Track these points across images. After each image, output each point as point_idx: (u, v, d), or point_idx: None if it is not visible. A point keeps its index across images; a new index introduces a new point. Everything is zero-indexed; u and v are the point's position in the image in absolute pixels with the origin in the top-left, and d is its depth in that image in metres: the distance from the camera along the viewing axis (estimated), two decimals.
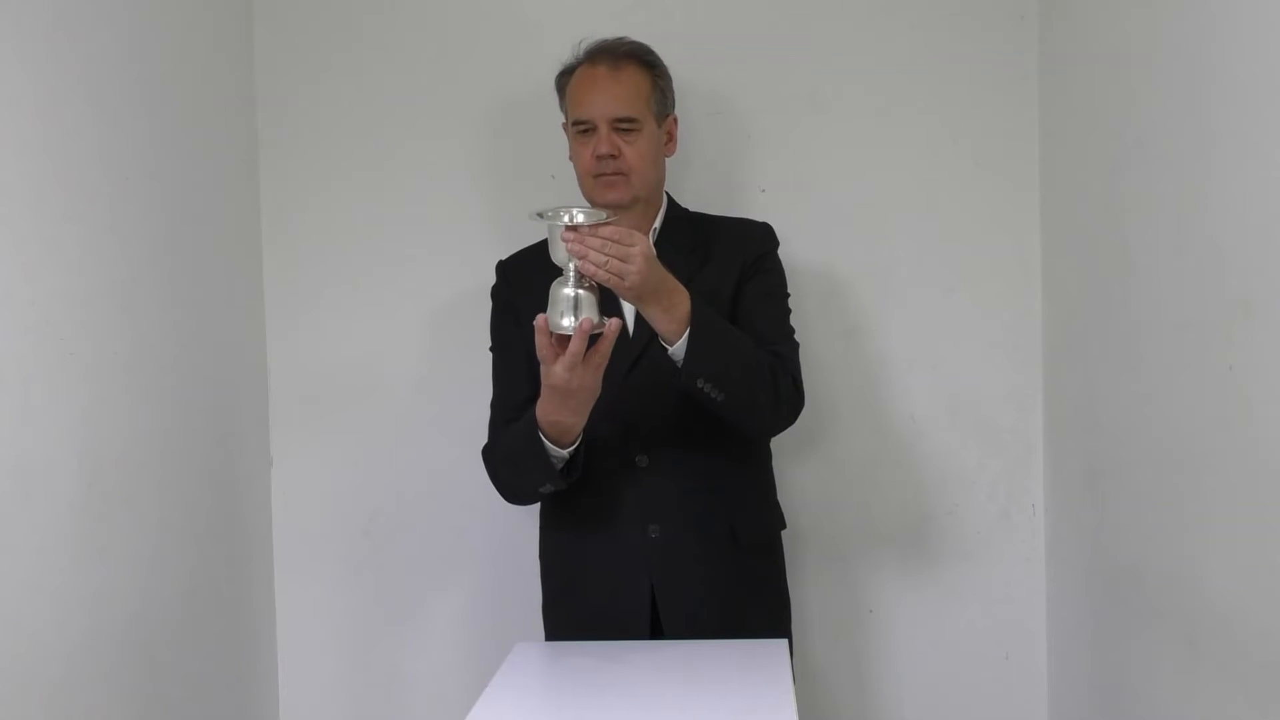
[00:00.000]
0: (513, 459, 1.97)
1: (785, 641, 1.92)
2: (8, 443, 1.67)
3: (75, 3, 1.87)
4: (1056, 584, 2.44)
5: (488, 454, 2.05)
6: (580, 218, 1.74)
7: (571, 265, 1.74)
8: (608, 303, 1.81)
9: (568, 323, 1.74)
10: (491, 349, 2.12)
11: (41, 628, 1.74)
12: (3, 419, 1.66)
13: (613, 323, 1.75)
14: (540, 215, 1.76)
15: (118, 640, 1.93)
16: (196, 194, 2.25)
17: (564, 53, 2.17)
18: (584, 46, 2.09)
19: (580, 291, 1.74)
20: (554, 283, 1.76)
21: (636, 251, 1.74)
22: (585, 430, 1.92)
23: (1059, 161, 2.35)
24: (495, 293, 2.13)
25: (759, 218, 2.21)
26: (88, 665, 1.85)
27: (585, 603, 2.06)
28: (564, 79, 2.10)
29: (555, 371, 1.76)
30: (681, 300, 1.83)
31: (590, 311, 1.74)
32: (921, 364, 2.48)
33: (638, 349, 2.02)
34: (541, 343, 1.75)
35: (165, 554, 2.10)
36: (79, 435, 1.84)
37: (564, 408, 1.82)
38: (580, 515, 2.05)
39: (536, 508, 2.17)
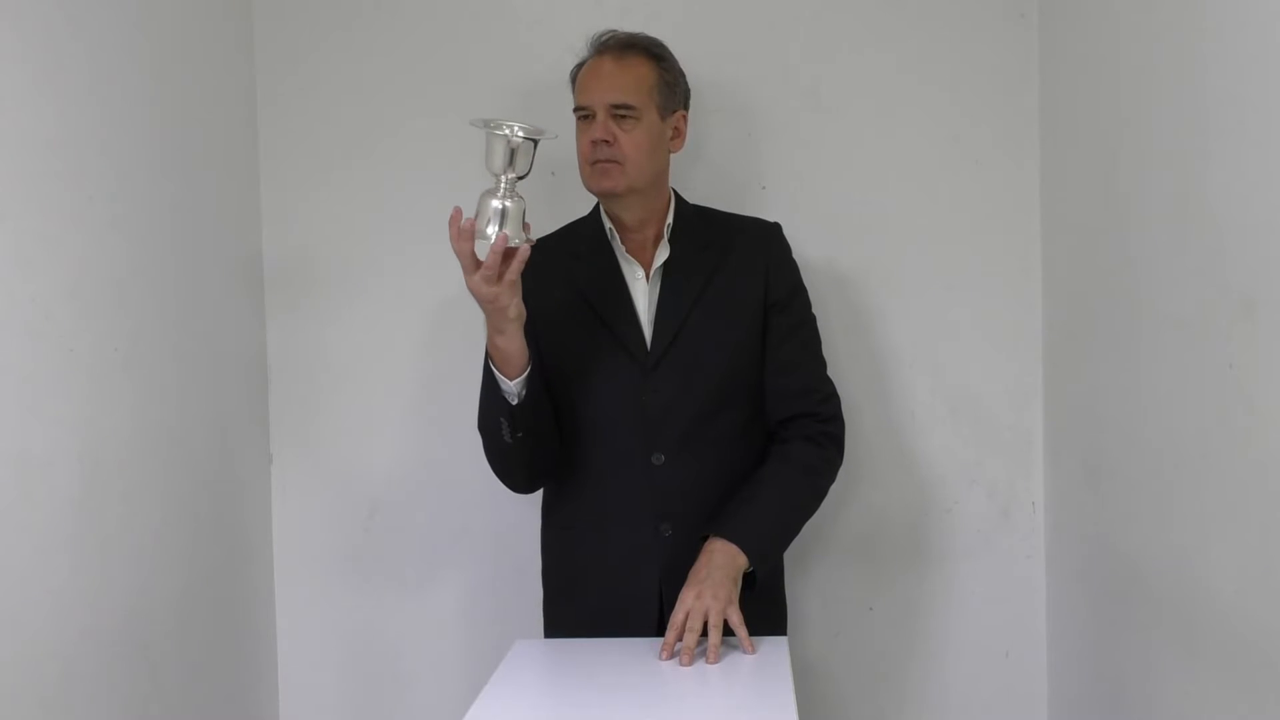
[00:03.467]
0: (481, 404, 2.01)
1: (785, 639, 1.93)
2: (8, 440, 1.67)
3: (78, 0, 1.86)
4: (1056, 581, 2.44)
5: (479, 430, 2.06)
6: (519, 130, 1.79)
7: (504, 176, 1.80)
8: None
9: (491, 230, 1.79)
10: None
11: (41, 624, 1.74)
12: (3, 416, 1.66)
13: (499, 240, 1.79)
14: (485, 124, 1.80)
15: (117, 636, 1.93)
16: (196, 191, 2.24)
17: (563, 50, 2.19)
18: (595, 38, 2.10)
19: (508, 204, 1.79)
20: (483, 191, 1.81)
21: (702, 607, 1.83)
22: (598, 424, 1.99)
23: (1059, 158, 2.35)
24: None
25: (759, 215, 2.21)
26: (87, 661, 1.85)
27: (590, 599, 2.06)
28: (576, 70, 2.11)
29: (469, 280, 1.82)
30: (736, 556, 1.92)
31: (513, 224, 1.80)
32: (922, 361, 2.48)
33: (659, 351, 2.02)
34: (451, 233, 1.80)
35: (165, 550, 2.10)
36: (79, 432, 1.84)
37: (488, 324, 1.88)
38: (590, 511, 2.06)
39: (540, 504, 2.17)
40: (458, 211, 1.82)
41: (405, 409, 2.52)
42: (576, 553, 2.09)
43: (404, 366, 2.51)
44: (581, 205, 2.17)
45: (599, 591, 2.05)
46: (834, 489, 2.12)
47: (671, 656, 1.81)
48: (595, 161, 2.02)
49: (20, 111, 1.72)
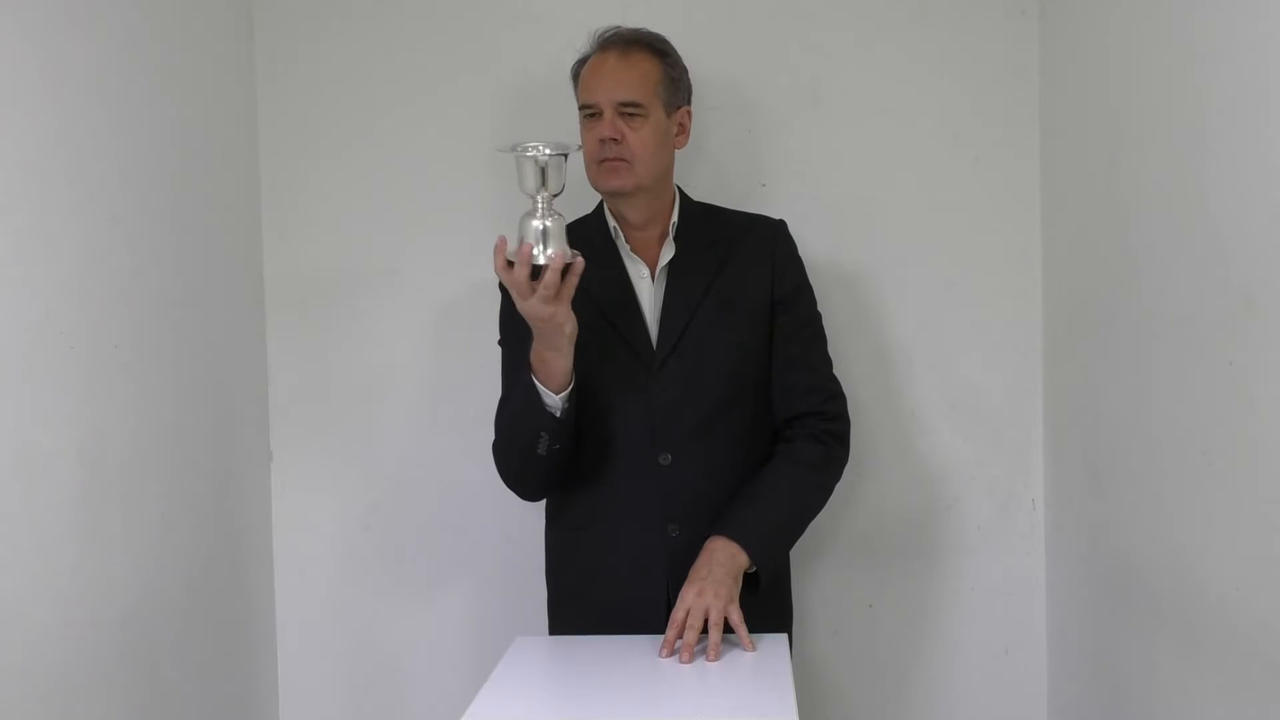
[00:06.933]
0: (512, 417, 1.99)
1: (785, 636, 1.93)
2: (8, 437, 1.67)
3: None
4: (1056, 579, 2.44)
5: (495, 444, 2.05)
6: (546, 149, 1.79)
7: (539, 196, 1.79)
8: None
9: (537, 251, 1.79)
10: (501, 342, 2.10)
11: (41, 621, 1.74)
12: (3, 413, 1.66)
13: (557, 257, 1.79)
14: (513, 149, 1.80)
15: (117, 634, 1.93)
16: (198, 187, 2.24)
17: (565, 46, 2.18)
18: (598, 35, 2.09)
19: (548, 223, 1.79)
20: (523, 214, 1.80)
21: (703, 604, 1.84)
22: (605, 424, 1.98)
23: (1060, 156, 2.35)
24: None
25: (759, 212, 2.21)
26: (87, 658, 1.85)
27: (597, 599, 2.05)
28: (578, 68, 2.11)
29: (515, 299, 1.82)
30: (737, 554, 1.92)
31: (557, 241, 1.79)
32: (922, 359, 2.48)
33: (665, 350, 2.03)
34: (497, 263, 1.81)
35: (165, 548, 2.10)
36: (79, 429, 1.84)
37: (541, 341, 1.87)
38: (597, 512, 2.05)
39: (543, 504, 2.17)
40: (502, 240, 1.80)
41: (406, 407, 2.51)
42: (583, 553, 2.08)
43: (405, 364, 2.51)
44: (582, 203, 2.17)
45: (606, 592, 2.04)
46: (835, 486, 2.12)
47: (672, 654, 1.81)
48: (603, 160, 2.02)
49: (21, 109, 1.71)
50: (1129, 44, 1.99)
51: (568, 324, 1.84)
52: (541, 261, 1.78)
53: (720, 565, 1.89)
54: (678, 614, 1.84)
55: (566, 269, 1.80)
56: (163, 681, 2.08)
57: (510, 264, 1.80)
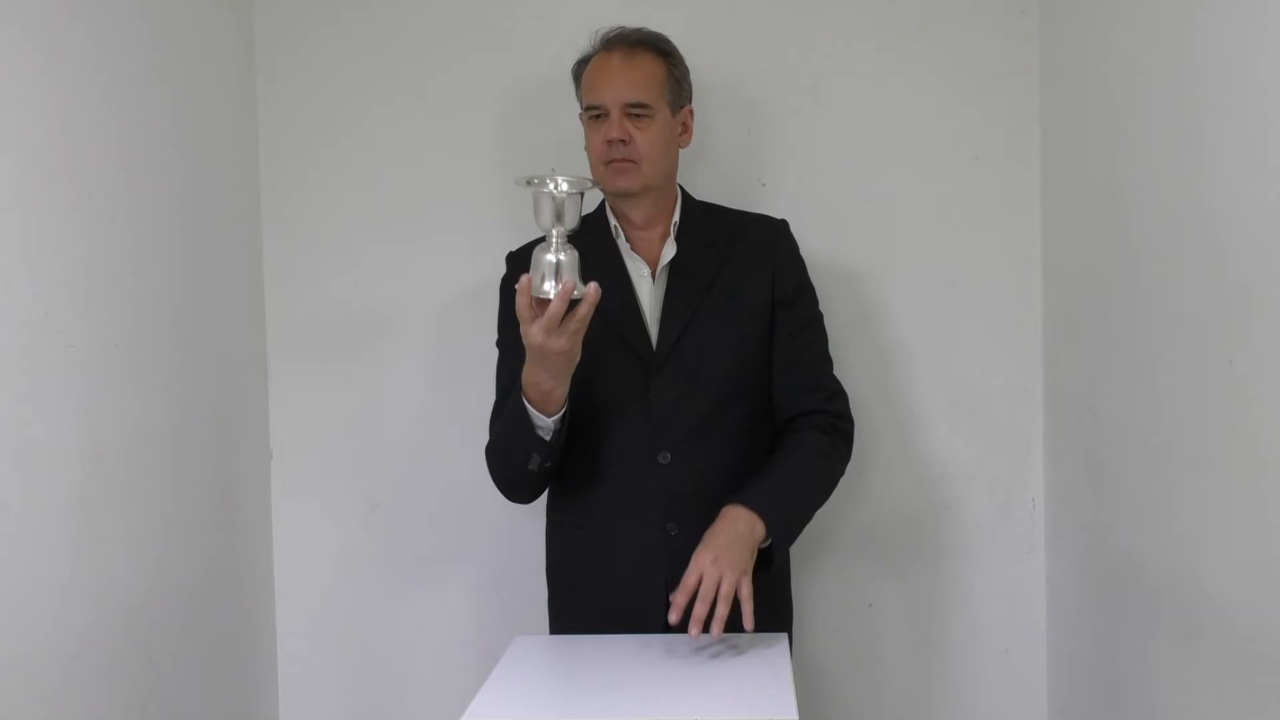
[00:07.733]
0: (502, 434, 1.98)
1: (785, 635, 1.92)
2: (8, 435, 1.67)
3: None
4: (1056, 578, 2.44)
5: (488, 450, 2.05)
6: (564, 185, 1.76)
7: (555, 230, 1.76)
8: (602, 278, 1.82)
9: (549, 287, 1.76)
10: (498, 343, 2.10)
11: (41, 620, 1.74)
12: (3, 412, 1.66)
13: (591, 288, 1.76)
14: (529, 182, 1.78)
15: (117, 633, 1.93)
16: (197, 185, 2.24)
17: (565, 45, 2.18)
18: (600, 35, 2.09)
19: (562, 257, 1.77)
20: (537, 248, 1.77)
21: (716, 574, 1.81)
22: (604, 423, 1.96)
23: (1059, 154, 2.35)
24: (505, 285, 2.12)
25: (759, 211, 2.21)
26: (87, 657, 1.85)
27: (597, 597, 2.05)
28: (580, 67, 2.11)
29: (532, 333, 1.77)
30: (756, 525, 1.89)
31: (570, 275, 1.76)
32: (921, 358, 2.48)
33: (665, 349, 2.02)
34: (521, 304, 1.76)
35: (165, 546, 2.10)
36: (79, 428, 1.84)
37: (541, 369, 1.83)
38: (597, 510, 2.05)
39: (542, 503, 2.17)
40: (527, 280, 1.76)
41: (406, 407, 2.52)
42: (583, 551, 2.08)
43: (405, 364, 2.51)
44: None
45: (606, 590, 2.04)
46: (840, 481, 2.12)
47: (680, 619, 1.79)
48: (610, 160, 2.02)
49: (21, 108, 1.71)
50: (1129, 44, 1.99)
51: (579, 355, 1.83)
52: (577, 295, 1.75)
53: (740, 535, 1.87)
54: (689, 578, 1.81)
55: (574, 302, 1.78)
56: (163, 681, 2.08)
57: (535, 302, 1.76)
